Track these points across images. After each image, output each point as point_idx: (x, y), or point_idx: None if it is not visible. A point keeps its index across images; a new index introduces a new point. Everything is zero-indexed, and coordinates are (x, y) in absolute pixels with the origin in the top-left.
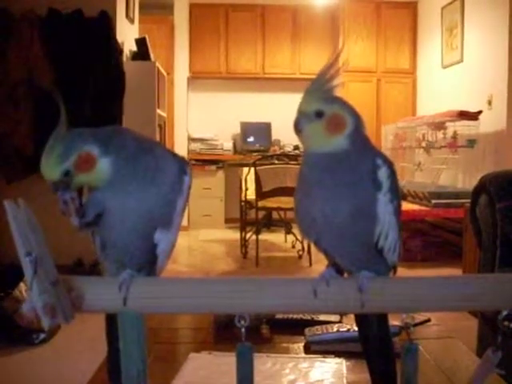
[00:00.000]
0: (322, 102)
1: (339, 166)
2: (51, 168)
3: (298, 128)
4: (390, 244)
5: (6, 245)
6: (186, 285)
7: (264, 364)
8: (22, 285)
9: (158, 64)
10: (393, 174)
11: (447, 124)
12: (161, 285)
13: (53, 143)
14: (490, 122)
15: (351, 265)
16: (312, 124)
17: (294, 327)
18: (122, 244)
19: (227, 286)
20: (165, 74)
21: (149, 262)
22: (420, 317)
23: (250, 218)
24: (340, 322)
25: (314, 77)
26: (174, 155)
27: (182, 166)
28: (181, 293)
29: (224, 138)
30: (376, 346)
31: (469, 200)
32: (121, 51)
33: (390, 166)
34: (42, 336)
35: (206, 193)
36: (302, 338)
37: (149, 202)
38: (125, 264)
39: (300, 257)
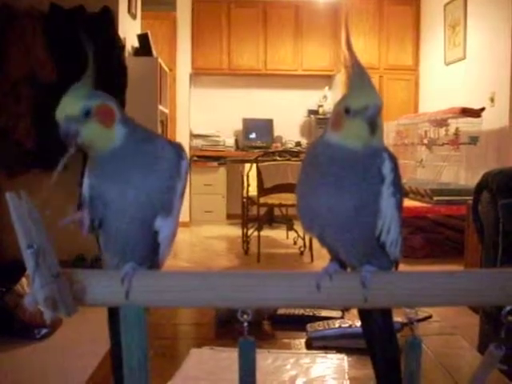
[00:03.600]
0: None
1: (356, 161)
2: (74, 101)
3: (376, 124)
4: (392, 238)
5: (8, 240)
6: (189, 278)
7: (265, 360)
8: (23, 280)
9: (160, 60)
10: (396, 168)
11: (449, 121)
12: (163, 278)
13: (81, 85)
14: (493, 119)
15: (354, 259)
16: (361, 120)
17: (296, 323)
18: (125, 235)
19: (230, 280)
20: (167, 70)
21: (151, 253)
22: (422, 313)
23: (251, 215)
24: (342, 317)
25: (315, 73)
26: (170, 142)
27: (179, 151)
28: (184, 286)
29: (226, 135)
30: (380, 341)
31: (471, 197)
32: (123, 47)
33: (393, 159)
34: (44, 331)
35: (207, 189)
36: (304, 333)
37: (149, 189)
38: (126, 257)
39: (301, 253)
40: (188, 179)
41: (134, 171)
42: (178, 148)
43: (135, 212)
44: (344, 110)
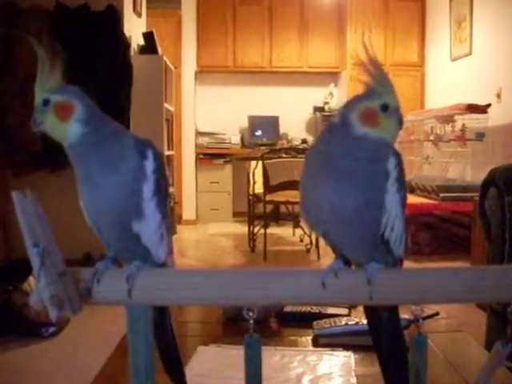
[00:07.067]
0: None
1: (379, 155)
2: (39, 92)
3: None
4: (396, 235)
5: (16, 238)
6: (193, 276)
7: (272, 357)
8: (31, 278)
9: (165, 58)
10: (400, 164)
11: (456, 117)
12: (168, 276)
13: (51, 77)
14: (499, 115)
15: (359, 257)
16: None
17: (303, 320)
18: (110, 236)
19: (235, 278)
20: (172, 68)
21: (148, 254)
22: (428, 310)
23: (257, 212)
24: (348, 315)
25: (321, 70)
26: (138, 141)
27: (143, 151)
28: (188, 284)
29: (232, 132)
30: (386, 338)
31: (477, 193)
32: (128, 45)
33: (397, 156)
34: (52, 329)
35: (213, 187)
36: (311, 331)
37: (112, 191)
38: (130, 256)
39: (308, 251)
40: (159, 179)
41: (94, 171)
42: (143, 147)
43: (107, 214)
44: (380, 108)
